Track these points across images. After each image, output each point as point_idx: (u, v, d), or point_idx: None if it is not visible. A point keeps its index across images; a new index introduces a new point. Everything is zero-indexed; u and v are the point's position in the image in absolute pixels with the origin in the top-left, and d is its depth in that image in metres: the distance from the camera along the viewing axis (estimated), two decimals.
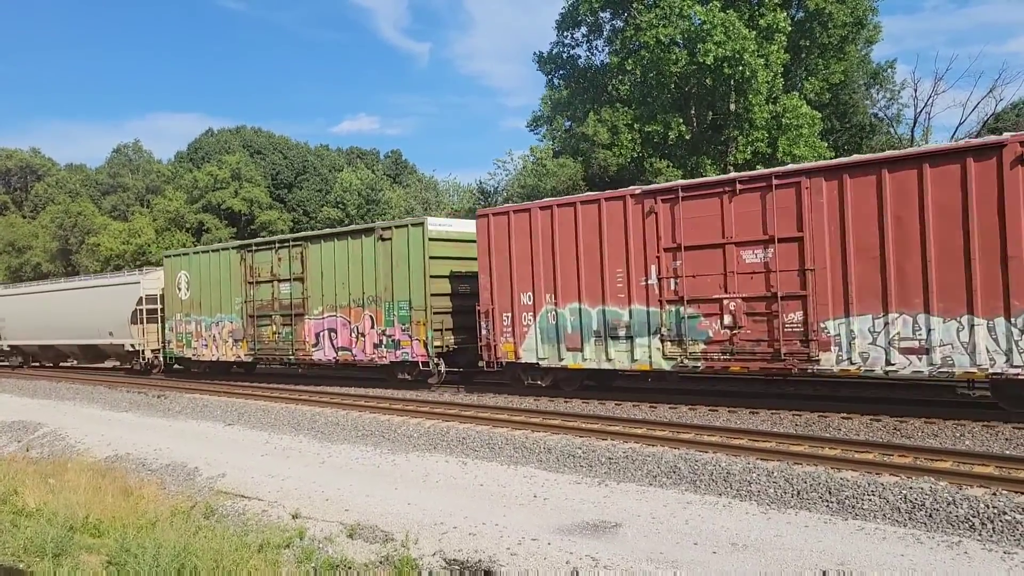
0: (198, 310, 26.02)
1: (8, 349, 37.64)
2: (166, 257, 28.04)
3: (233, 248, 25.07)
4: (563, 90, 32.76)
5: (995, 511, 8.15)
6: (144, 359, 29.29)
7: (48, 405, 23.28)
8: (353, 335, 21.30)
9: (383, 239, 20.34)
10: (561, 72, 33.63)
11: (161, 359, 29.15)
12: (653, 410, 15.78)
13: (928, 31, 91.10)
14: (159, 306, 28.74)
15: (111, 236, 51.46)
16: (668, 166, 28.08)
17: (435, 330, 19.63)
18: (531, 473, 11.42)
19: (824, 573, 7.03)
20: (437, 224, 20.42)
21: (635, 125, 28.66)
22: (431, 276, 19.59)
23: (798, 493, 9.41)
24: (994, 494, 8.65)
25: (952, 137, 31.07)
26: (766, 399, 15.81)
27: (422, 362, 19.87)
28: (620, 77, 30.41)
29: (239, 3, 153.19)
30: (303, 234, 23.22)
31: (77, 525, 9.37)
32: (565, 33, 32.88)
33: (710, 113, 30.14)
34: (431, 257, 19.62)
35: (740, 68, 25.95)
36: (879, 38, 31.57)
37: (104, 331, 30.49)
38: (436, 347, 19.65)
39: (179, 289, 26.68)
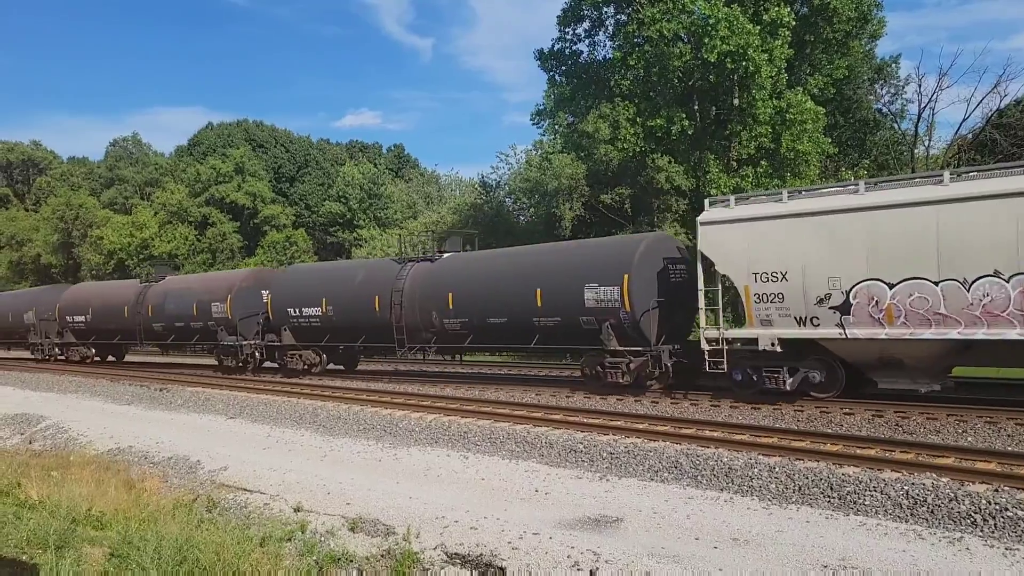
0: None
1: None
2: None
3: None
4: (565, 86, 32.67)
5: (997, 507, 8.14)
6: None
7: (51, 398, 23.32)
8: None
9: None
10: (563, 68, 33.57)
11: None
12: (655, 405, 15.77)
13: (930, 27, 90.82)
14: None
15: (114, 229, 51.40)
16: (670, 161, 28.02)
17: None
18: (533, 467, 11.43)
19: (826, 568, 7.03)
20: None
21: (637, 120, 28.60)
22: None
23: (800, 489, 9.41)
24: (996, 490, 8.64)
25: (956, 133, 30.99)
26: (768, 395, 15.77)
27: None
28: (623, 72, 30.32)
29: None
30: None
31: (80, 517, 9.39)
32: (567, 28, 32.79)
33: (713, 108, 30.05)
34: None
35: (744, 63, 25.89)
36: (883, 33, 31.45)
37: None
38: None
39: None
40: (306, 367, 23.87)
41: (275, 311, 24.31)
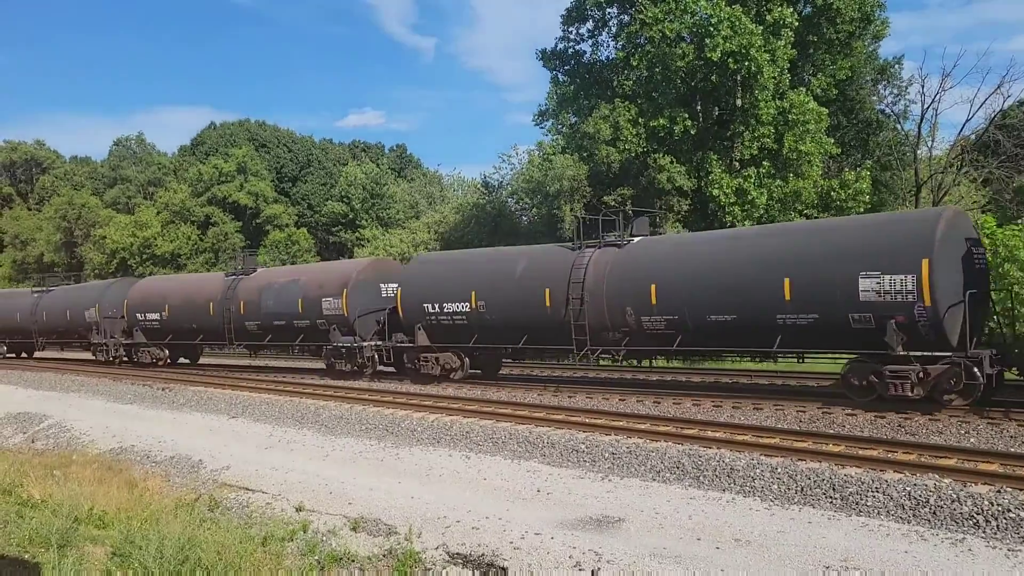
0: None
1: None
2: None
3: None
4: (568, 86, 32.70)
5: (999, 508, 8.13)
6: None
7: (53, 397, 23.34)
8: None
9: None
10: (566, 68, 33.59)
11: None
12: (657, 405, 15.76)
13: (933, 28, 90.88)
14: None
15: (117, 229, 51.43)
16: (672, 162, 28.02)
17: None
18: (535, 468, 11.42)
19: (828, 569, 7.02)
20: None
21: (639, 120, 28.61)
22: None
23: (802, 489, 9.40)
24: (999, 491, 8.62)
25: (959, 134, 30.96)
26: (770, 395, 15.77)
27: None
28: (625, 72, 30.32)
29: None
30: None
31: (82, 516, 9.41)
32: (570, 28, 32.83)
33: (716, 108, 30.06)
34: None
35: (746, 64, 25.91)
36: (886, 33, 31.46)
37: None
38: None
39: None
40: (444, 372, 20.40)
41: (406, 307, 20.93)
